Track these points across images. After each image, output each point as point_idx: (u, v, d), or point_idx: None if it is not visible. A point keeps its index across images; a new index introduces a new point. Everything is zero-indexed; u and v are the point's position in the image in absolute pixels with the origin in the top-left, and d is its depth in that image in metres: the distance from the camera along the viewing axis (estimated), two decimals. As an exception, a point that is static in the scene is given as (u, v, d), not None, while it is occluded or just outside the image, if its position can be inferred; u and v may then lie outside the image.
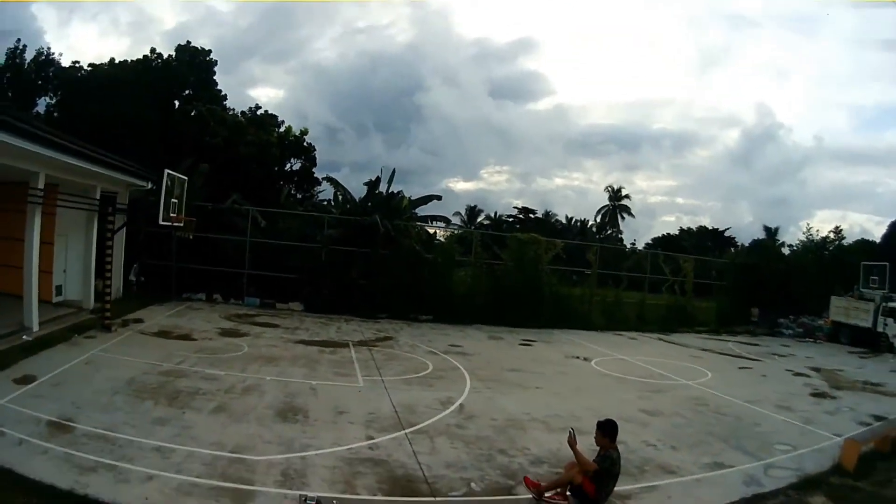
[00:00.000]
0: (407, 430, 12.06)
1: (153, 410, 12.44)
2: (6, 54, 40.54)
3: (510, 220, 70.19)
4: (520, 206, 75.79)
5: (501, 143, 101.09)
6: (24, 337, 17.86)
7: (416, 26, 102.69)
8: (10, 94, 39.87)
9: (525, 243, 31.27)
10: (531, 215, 72.08)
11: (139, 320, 23.21)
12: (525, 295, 29.93)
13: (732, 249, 55.23)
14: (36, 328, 18.93)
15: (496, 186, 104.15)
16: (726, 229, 75.45)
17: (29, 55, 41.51)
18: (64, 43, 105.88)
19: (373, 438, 11.49)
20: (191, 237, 26.65)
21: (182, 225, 23.96)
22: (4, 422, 11.17)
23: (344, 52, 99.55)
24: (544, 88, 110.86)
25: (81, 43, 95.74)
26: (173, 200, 22.12)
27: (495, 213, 72.60)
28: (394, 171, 34.22)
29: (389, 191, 34.01)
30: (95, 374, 14.95)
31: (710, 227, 76.85)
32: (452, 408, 14.07)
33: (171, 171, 22.24)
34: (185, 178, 24.05)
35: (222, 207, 31.37)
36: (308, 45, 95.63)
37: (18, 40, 41.33)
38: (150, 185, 27.61)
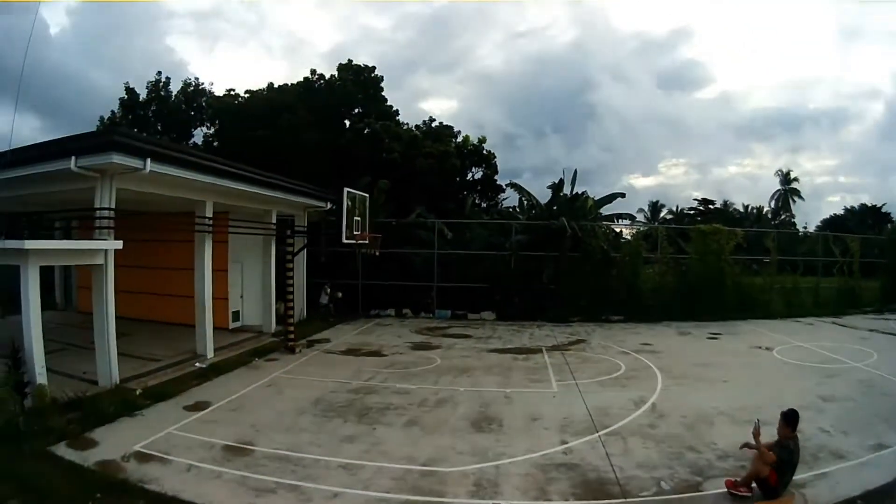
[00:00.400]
0: (600, 433, 12.19)
1: (341, 428, 12.71)
2: (147, 87, 43.64)
3: (691, 212, 68.58)
4: (699, 198, 73.83)
5: (674, 135, 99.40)
6: (197, 364, 18.52)
7: (575, 25, 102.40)
8: (158, 126, 43.03)
9: (707, 234, 31.32)
10: (710, 206, 69.98)
11: (325, 340, 23.93)
12: (709, 287, 30.27)
13: (889, 225, 53.97)
14: (210, 355, 19.68)
15: (674, 180, 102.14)
16: (882, 205, 70.30)
17: (174, 87, 44.51)
18: (208, 71, 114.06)
19: (567, 443, 11.60)
20: (377, 254, 27.08)
21: (367, 242, 24.42)
22: (171, 449, 11.46)
23: (509, 58, 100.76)
24: (705, 76, 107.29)
25: (229, 71, 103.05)
26: (356, 218, 22.57)
27: (677, 207, 71.70)
28: (575, 172, 34.79)
29: (573, 192, 34.40)
30: (278, 396, 15.49)
31: (870, 205, 71.25)
32: (645, 407, 14.16)
33: (350, 190, 22.70)
34: (366, 195, 24.57)
35: (406, 222, 32.45)
36: (471, 53, 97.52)
37: (160, 73, 44.57)
38: (328, 206, 28.61)
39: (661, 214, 67.88)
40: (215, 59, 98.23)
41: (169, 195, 18.12)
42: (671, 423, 12.99)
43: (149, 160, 15.29)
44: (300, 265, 27.62)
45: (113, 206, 15.61)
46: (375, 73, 43.14)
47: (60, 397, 13.48)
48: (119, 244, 15.45)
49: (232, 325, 25.12)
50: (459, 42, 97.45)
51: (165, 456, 11.02)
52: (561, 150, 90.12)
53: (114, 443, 11.71)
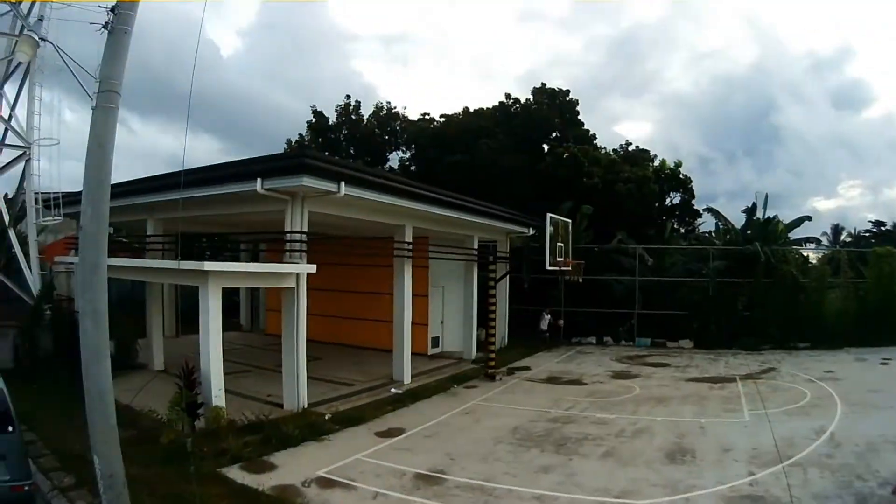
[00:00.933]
0: (784, 464, 11.85)
1: (538, 458, 12.35)
2: (337, 111, 44.64)
3: (867, 234, 63.01)
4: (873, 220, 67.56)
5: (849, 155, 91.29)
6: (393, 390, 18.09)
7: (753, 44, 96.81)
8: (351, 150, 43.90)
9: (882, 257, 29.99)
10: (882, 227, 64.04)
11: (526, 368, 23.38)
12: (883, 311, 28.64)
13: None
14: (407, 381, 19.27)
15: (852, 202, 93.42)
16: None
17: (364, 111, 45.25)
18: (397, 95, 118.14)
19: (753, 474, 11.26)
20: (580, 281, 26.82)
21: (570, 269, 23.91)
22: (357, 476, 10.98)
23: (696, 79, 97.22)
24: (869, 95, 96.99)
25: (417, 95, 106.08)
26: (559, 245, 22.13)
27: (854, 230, 66.03)
28: (766, 197, 33.73)
29: (765, 217, 33.37)
30: (475, 425, 15.16)
31: None
32: (824, 437, 13.68)
33: (553, 215, 22.16)
34: (569, 220, 24.04)
35: (608, 248, 32.05)
36: (660, 74, 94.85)
37: (348, 96, 45.40)
38: (530, 232, 28.13)
39: (842, 237, 63.15)
40: (404, 83, 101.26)
41: (366, 220, 17.95)
42: (845, 452, 12.51)
43: (343, 184, 15.02)
44: (502, 291, 27.04)
45: (305, 229, 15.40)
46: (570, 96, 42.21)
47: (239, 419, 13.33)
48: (312, 268, 15.24)
49: (431, 351, 24.72)
50: (648, 63, 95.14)
51: (351, 482, 10.69)
52: (751, 174, 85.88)
53: (295, 467, 11.39)
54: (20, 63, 21.07)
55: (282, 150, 41.57)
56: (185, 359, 12.60)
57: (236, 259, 28.81)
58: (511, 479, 10.90)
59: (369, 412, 15.59)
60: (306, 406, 15.28)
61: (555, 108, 41.13)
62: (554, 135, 41.01)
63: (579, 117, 42.12)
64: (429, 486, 10.62)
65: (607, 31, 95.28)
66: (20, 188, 21.98)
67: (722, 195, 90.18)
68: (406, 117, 44.90)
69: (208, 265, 13.28)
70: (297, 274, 15.16)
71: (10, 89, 22.63)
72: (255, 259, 28.53)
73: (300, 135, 44.31)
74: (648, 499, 10.05)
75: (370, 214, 17.70)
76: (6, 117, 22.00)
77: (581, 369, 23.25)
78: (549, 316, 29.69)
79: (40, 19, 18.84)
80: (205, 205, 16.86)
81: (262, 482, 10.42)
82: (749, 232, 32.86)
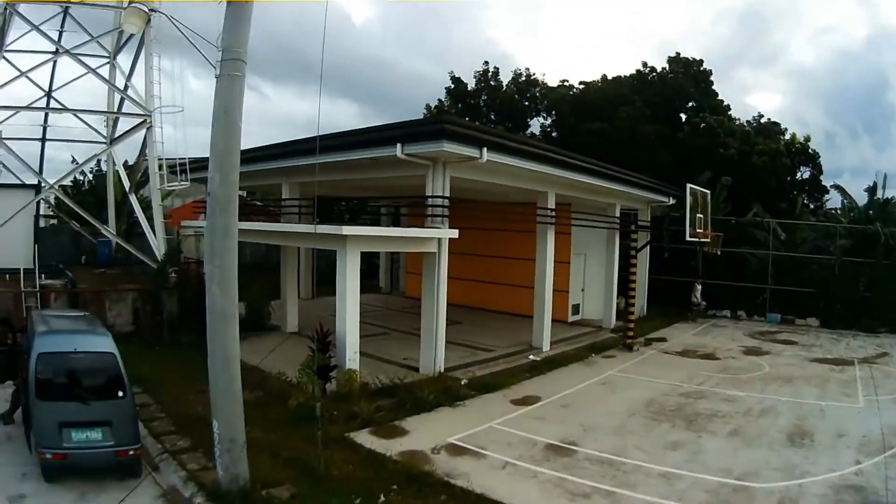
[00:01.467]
0: (886, 454, 11.49)
1: (668, 434, 12.28)
2: (475, 77, 44.33)
3: None
4: None
5: None
6: (531, 357, 17.91)
7: (865, 19, 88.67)
8: (491, 115, 43.70)
9: None
10: None
11: (662, 339, 23.05)
12: None
13: None
14: (546, 348, 19.05)
15: None
16: None
17: (503, 77, 44.69)
18: (533, 62, 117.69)
19: (859, 463, 11.02)
20: (718, 253, 25.94)
21: (709, 240, 23.21)
22: (488, 444, 10.90)
23: (819, 53, 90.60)
24: None
25: (551, 62, 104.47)
26: (698, 216, 21.46)
27: None
28: (885, 176, 32.47)
29: (885, 197, 32.46)
30: (610, 396, 15.01)
31: None
32: None
33: (693, 186, 21.63)
34: (707, 192, 23.39)
35: (744, 221, 31.35)
36: (786, 47, 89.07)
37: (486, 63, 45.47)
38: (670, 201, 27.70)
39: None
40: (539, 50, 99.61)
41: (509, 185, 17.79)
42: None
43: (485, 149, 14.83)
44: (643, 261, 26.61)
45: (446, 193, 15.37)
46: (704, 66, 40.81)
47: (373, 383, 13.43)
48: (455, 233, 15.18)
49: (571, 319, 24.58)
50: (775, 36, 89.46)
51: (481, 451, 10.65)
52: (871, 151, 79.25)
53: (426, 433, 11.42)
54: (132, 34, 22.09)
55: (421, 116, 41.72)
56: (320, 321, 12.83)
57: (376, 223, 29.37)
58: (640, 454, 10.82)
59: (505, 379, 15.55)
60: (443, 370, 15.29)
61: (689, 77, 39.92)
62: (690, 104, 39.96)
63: (713, 87, 40.79)
64: (559, 457, 10.52)
65: (733, 3, 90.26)
66: (141, 155, 22.95)
67: (846, 171, 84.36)
68: (545, 84, 44.21)
69: (347, 229, 13.35)
70: (439, 239, 15.16)
71: (125, 60, 23.99)
72: (395, 223, 28.95)
73: (439, 100, 44.39)
74: (766, 482, 9.93)
75: (513, 180, 17.51)
76: (122, 87, 23.14)
77: (715, 343, 22.96)
78: (700, 286, 29.21)
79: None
80: (342, 169, 17.13)
81: (391, 448, 10.47)
82: (871, 212, 31.75)
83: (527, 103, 43.93)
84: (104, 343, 10.09)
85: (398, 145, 14.34)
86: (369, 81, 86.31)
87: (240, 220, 8.51)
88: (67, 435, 8.73)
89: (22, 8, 21.63)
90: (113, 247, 24.60)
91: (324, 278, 23.43)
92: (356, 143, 15.84)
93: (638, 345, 20.88)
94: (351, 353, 13.34)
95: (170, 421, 11.52)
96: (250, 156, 18.80)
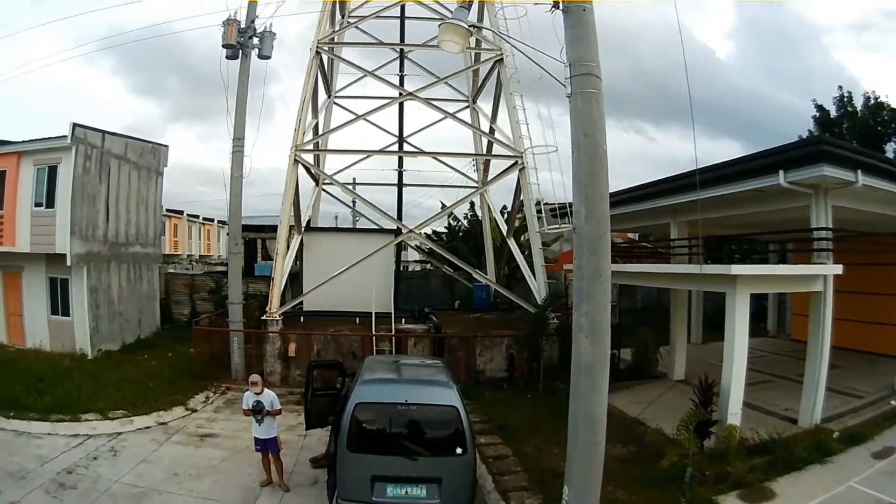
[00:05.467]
0: None
1: None
2: (834, 103, 41.23)
3: None
4: None
5: None
6: (893, 402, 15.82)
7: None
8: (853, 143, 39.58)
9: None
10: None
11: None
12: None
13: None
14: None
15: None
16: None
17: (856, 101, 41.26)
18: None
19: None
20: None
21: None
22: None
23: None
24: None
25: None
26: None
27: None
28: None
29: None
30: None
31: None
32: None
33: None
34: None
35: None
36: None
37: (840, 87, 41.95)
38: None
39: None
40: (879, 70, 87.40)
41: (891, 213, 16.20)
42: None
43: (859, 172, 13.46)
44: None
45: (829, 225, 14.15)
46: None
47: (751, 438, 12.65)
48: (839, 269, 13.92)
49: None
50: None
51: None
52: None
53: (791, 496, 10.69)
54: (486, 78, 23.30)
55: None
56: (705, 371, 12.28)
57: (764, 261, 27.58)
58: None
59: (871, 429, 13.94)
60: (818, 422, 14.05)
61: None
62: None
63: None
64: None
65: None
66: (517, 198, 23.41)
67: None
68: (889, 105, 39.76)
69: (736, 269, 12.95)
70: (825, 276, 13.95)
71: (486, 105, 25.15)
72: (782, 261, 26.99)
73: (809, 130, 41.81)
74: None
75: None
76: (487, 130, 23.79)
77: None
78: None
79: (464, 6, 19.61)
80: (725, 205, 16.40)
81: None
82: None
83: (879, 128, 39.48)
84: (445, 395, 9.73)
85: (780, 173, 13.28)
86: (743, 115, 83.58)
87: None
88: (381, 489, 8.85)
89: (352, 56, 24.34)
90: (491, 291, 25.58)
91: (710, 321, 22.56)
92: (733, 175, 15.03)
93: None
94: (734, 407, 12.66)
95: (524, 476, 11.56)
96: (634, 195, 19.03)
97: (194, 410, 16.47)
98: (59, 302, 21.12)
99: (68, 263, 20.06)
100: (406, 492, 8.82)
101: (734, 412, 12.52)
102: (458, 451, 9.09)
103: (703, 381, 11.98)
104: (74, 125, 20.04)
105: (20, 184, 20.85)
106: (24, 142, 21.17)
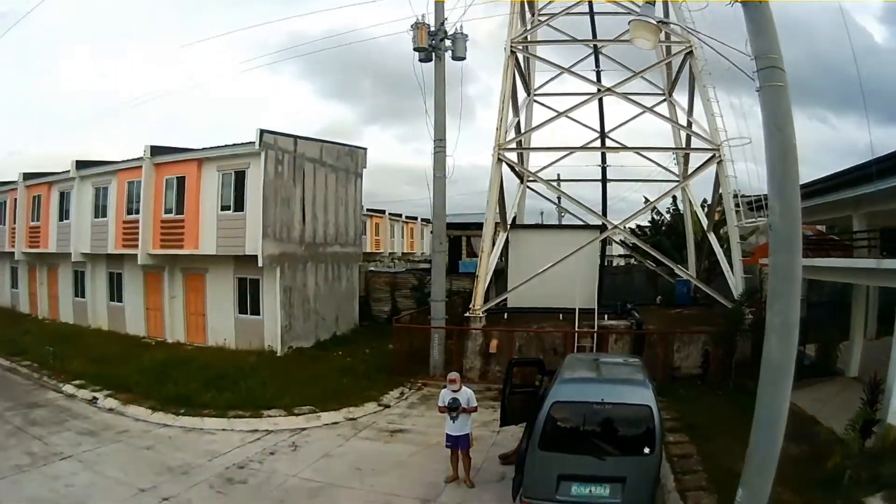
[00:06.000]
0: None
1: None
2: None
3: None
4: None
5: None
6: None
7: None
8: None
9: None
10: None
11: None
12: None
13: None
14: None
15: None
16: None
17: None
18: None
19: None
20: None
21: None
22: None
23: None
24: None
25: None
26: None
27: None
28: None
29: None
30: None
31: None
32: None
33: None
34: None
35: None
36: None
37: None
38: None
39: None
40: None
41: None
42: None
43: None
44: None
45: None
46: None
47: None
48: None
49: None
50: None
51: None
52: None
53: None
54: (679, 71, 22.36)
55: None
56: (875, 370, 11.37)
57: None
58: None
59: None
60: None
61: None
62: None
63: None
64: None
65: None
66: (716, 191, 22.47)
67: None
68: None
69: None
70: None
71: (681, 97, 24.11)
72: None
73: None
74: None
75: None
76: (685, 123, 22.54)
77: None
78: None
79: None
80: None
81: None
82: None
83: None
84: (640, 395, 9.36)
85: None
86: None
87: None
88: (566, 488, 8.58)
89: (546, 53, 23.26)
90: (691, 286, 24.48)
91: (883, 316, 20.52)
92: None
93: None
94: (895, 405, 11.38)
95: (704, 476, 10.93)
96: (815, 188, 17.71)
97: (387, 406, 16.21)
98: (248, 301, 21.86)
99: (260, 265, 20.71)
100: (590, 491, 8.54)
101: (895, 410, 11.31)
102: (646, 450, 8.71)
103: (872, 378, 11.37)
104: (262, 131, 20.57)
105: (202, 189, 21.85)
106: (206, 148, 22.15)
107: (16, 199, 30.91)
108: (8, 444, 12.66)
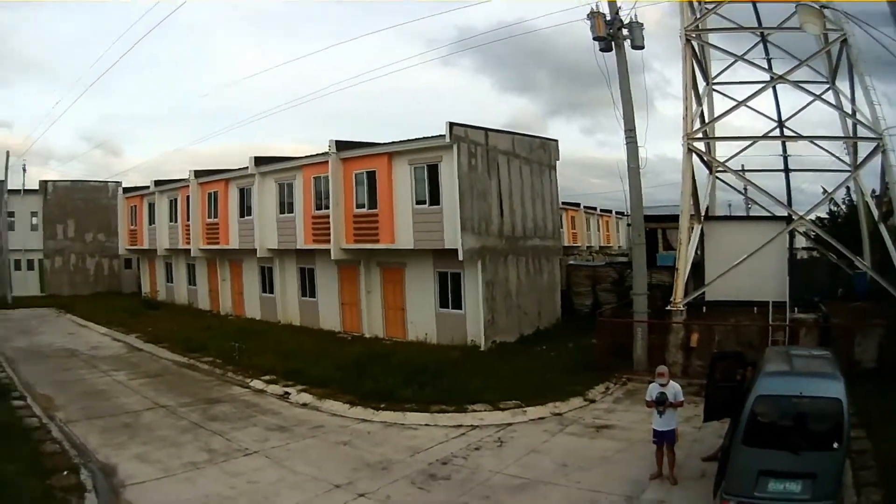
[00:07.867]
0: None
1: None
2: None
3: None
4: None
5: None
6: None
7: None
8: None
9: None
10: None
11: None
12: None
13: None
14: None
15: None
16: None
17: None
18: None
19: None
20: None
21: None
22: None
23: None
24: None
25: None
26: None
27: None
28: None
29: None
30: None
31: None
32: None
33: None
34: None
35: None
36: None
37: None
38: None
39: None
40: None
41: None
42: None
43: None
44: None
45: None
46: None
47: None
48: None
49: None
50: None
51: None
52: None
53: None
54: (839, 57, 21.62)
55: None
56: None
57: None
58: None
59: None
60: None
61: None
62: None
63: None
64: None
65: None
66: (882, 181, 21.85)
67: None
68: None
69: None
70: None
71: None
72: None
73: None
74: None
75: None
76: (849, 111, 21.77)
77: None
78: None
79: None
80: None
81: None
82: None
83: None
84: (832, 388, 9.20)
85: None
86: None
87: None
88: (764, 484, 8.49)
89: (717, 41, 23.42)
90: (868, 279, 23.68)
91: None
92: None
93: None
94: None
95: (876, 472, 10.71)
96: None
97: (593, 401, 16.20)
98: (450, 295, 22.13)
99: (460, 258, 20.79)
100: (784, 487, 8.45)
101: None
102: (835, 445, 8.62)
103: None
104: (451, 124, 20.70)
105: (395, 183, 22.21)
106: (394, 142, 22.49)
107: (188, 197, 31.95)
108: (181, 441, 13.02)
